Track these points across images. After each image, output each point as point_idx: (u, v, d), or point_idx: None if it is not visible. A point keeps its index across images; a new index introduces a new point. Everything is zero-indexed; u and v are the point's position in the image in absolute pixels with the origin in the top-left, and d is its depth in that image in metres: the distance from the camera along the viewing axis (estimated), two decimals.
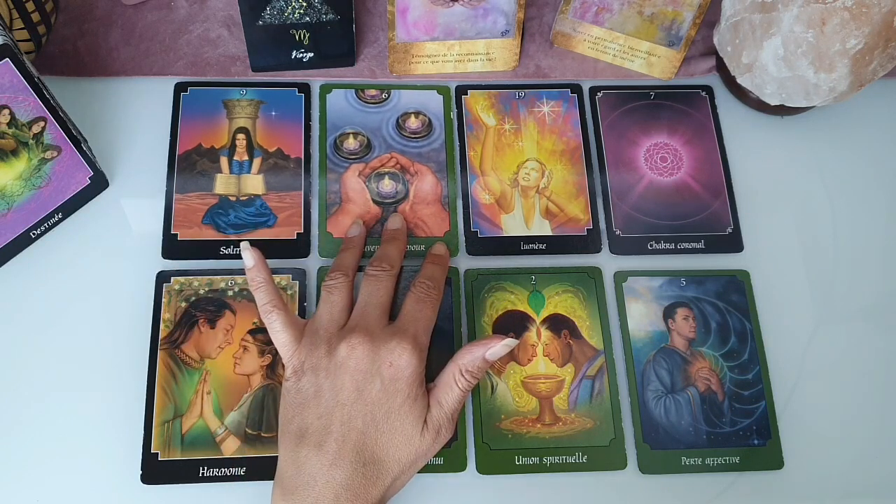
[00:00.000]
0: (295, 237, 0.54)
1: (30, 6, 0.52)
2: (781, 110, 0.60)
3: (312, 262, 0.53)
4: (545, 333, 0.52)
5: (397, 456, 0.44)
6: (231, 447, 0.48)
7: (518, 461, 0.49)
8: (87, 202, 0.54)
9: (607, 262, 0.55)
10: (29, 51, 0.54)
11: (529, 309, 0.53)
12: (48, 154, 0.49)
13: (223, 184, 0.55)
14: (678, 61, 0.60)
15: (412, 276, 0.52)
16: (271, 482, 0.44)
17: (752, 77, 0.56)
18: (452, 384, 0.46)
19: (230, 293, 0.51)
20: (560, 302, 0.53)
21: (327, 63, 0.59)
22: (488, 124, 0.59)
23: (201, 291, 0.51)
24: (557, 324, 0.52)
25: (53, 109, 0.48)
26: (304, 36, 0.56)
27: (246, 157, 0.56)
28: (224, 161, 0.56)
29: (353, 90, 0.59)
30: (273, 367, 0.50)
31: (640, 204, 0.57)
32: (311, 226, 0.54)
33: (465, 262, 0.54)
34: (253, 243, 0.53)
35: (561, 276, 0.54)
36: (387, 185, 0.56)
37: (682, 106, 0.60)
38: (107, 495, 0.47)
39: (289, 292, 0.52)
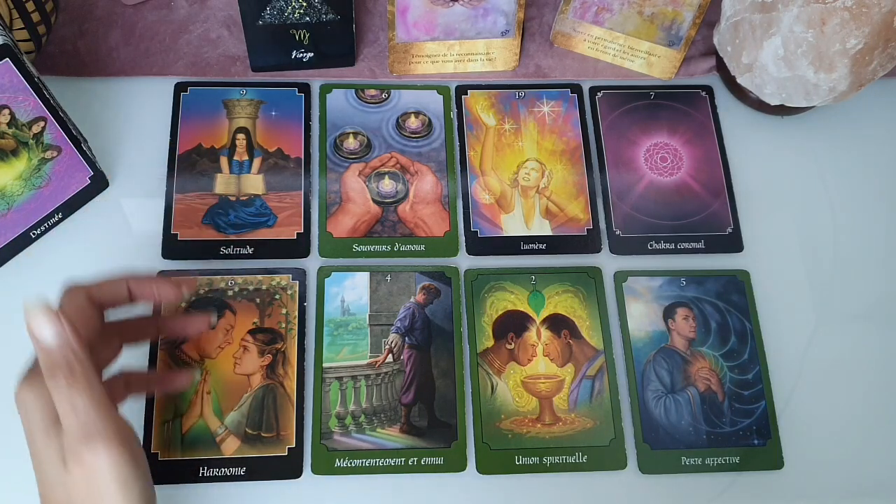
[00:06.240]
0: (295, 237, 0.54)
1: (30, 6, 0.52)
2: (781, 110, 0.60)
3: (312, 262, 0.53)
4: (545, 333, 0.52)
5: None
6: (231, 447, 0.48)
7: (518, 461, 0.49)
8: (87, 202, 0.54)
9: (607, 262, 0.55)
10: (29, 51, 0.54)
11: (529, 309, 0.53)
12: (48, 154, 0.49)
13: (223, 184, 0.55)
14: (678, 61, 0.60)
15: (410, 278, 0.52)
16: (271, 482, 0.43)
17: (752, 77, 0.56)
18: None
19: (230, 293, 0.51)
20: (560, 302, 0.53)
21: (327, 63, 0.59)
22: (488, 124, 0.59)
23: (201, 291, 0.51)
24: (557, 324, 0.52)
25: (53, 109, 0.48)
26: (304, 36, 0.56)
27: (246, 157, 0.56)
28: (224, 161, 0.56)
29: (353, 90, 0.59)
30: (273, 367, 0.50)
31: (640, 204, 0.57)
32: (311, 226, 0.54)
33: (465, 262, 0.54)
34: (253, 243, 0.53)
35: (561, 276, 0.54)
36: (387, 185, 0.56)
37: (682, 106, 0.60)
38: None
39: (288, 292, 0.52)
